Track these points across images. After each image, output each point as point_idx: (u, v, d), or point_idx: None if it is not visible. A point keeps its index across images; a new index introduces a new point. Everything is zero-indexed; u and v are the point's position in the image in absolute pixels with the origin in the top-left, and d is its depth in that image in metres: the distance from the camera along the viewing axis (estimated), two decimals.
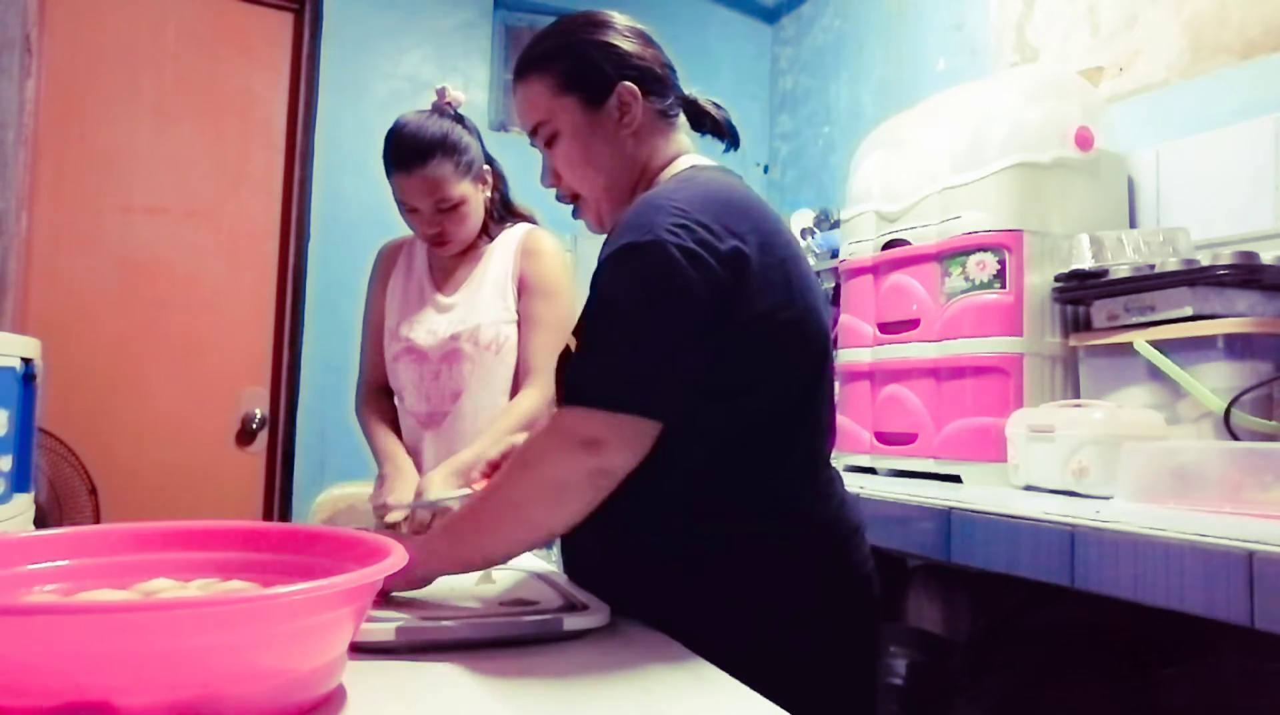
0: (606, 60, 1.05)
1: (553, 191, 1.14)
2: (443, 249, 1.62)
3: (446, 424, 1.60)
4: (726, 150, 1.18)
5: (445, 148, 1.53)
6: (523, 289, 1.62)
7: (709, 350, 0.93)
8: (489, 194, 1.65)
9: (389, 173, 1.56)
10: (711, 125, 1.17)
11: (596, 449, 0.89)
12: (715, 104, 1.17)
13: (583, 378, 0.92)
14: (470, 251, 1.66)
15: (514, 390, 1.60)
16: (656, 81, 1.08)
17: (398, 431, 1.65)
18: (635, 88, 1.05)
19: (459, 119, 1.60)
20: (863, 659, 1.10)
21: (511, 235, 1.67)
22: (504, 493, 0.93)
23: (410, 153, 1.52)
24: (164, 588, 0.73)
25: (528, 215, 1.74)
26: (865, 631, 1.09)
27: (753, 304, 0.95)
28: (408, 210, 1.58)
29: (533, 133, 1.09)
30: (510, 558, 0.98)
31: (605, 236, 1.11)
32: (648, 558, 1.05)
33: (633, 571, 1.05)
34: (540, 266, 1.62)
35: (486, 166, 1.64)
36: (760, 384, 0.99)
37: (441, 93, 1.61)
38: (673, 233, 0.90)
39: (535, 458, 0.92)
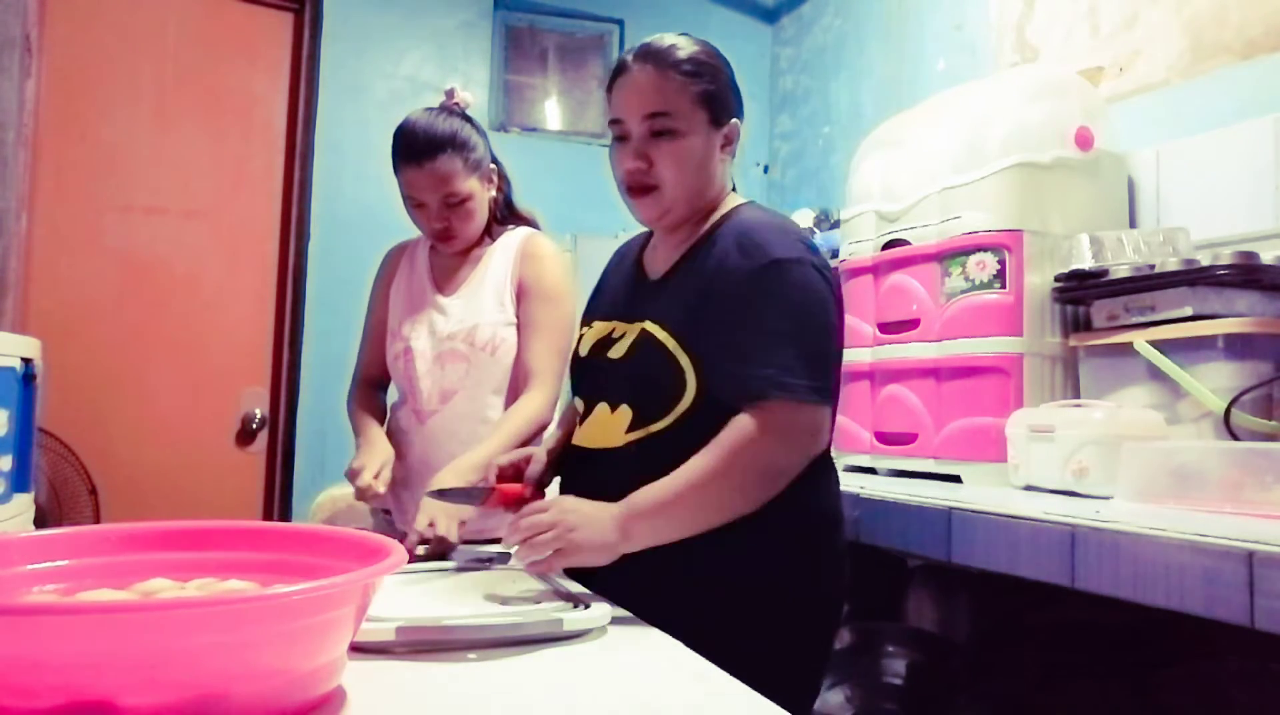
0: (733, 97, 1.22)
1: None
2: (448, 245, 1.63)
3: (434, 422, 1.61)
4: None
5: (455, 143, 1.55)
6: (522, 293, 1.62)
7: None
8: (494, 194, 1.67)
9: (397, 167, 1.57)
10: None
11: (816, 437, 1.08)
12: None
13: (792, 373, 1.06)
14: (471, 252, 1.67)
15: (510, 393, 1.60)
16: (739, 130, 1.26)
17: (382, 421, 1.67)
18: (740, 128, 1.23)
19: (466, 118, 1.61)
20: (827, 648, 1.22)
21: (512, 238, 1.67)
22: (728, 479, 1.05)
23: (421, 146, 1.54)
24: (163, 588, 0.72)
25: (529, 218, 1.75)
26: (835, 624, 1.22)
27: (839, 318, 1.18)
28: (415, 205, 1.59)
29: (647, 116, 1.16)
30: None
31: (667, 233, 1.28)
32: (657, 556, 1.06)
33: (639, 570, 1.06)
34: (540, 270, 1.62)
35: (493, 166, 1.66)
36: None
37: (450, 93, 1.63)
38: (814, 255, 1.14)
39: (762, 454, 1.05)
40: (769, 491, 1.06)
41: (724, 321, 1.10)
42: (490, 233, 1.67)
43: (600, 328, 1.27)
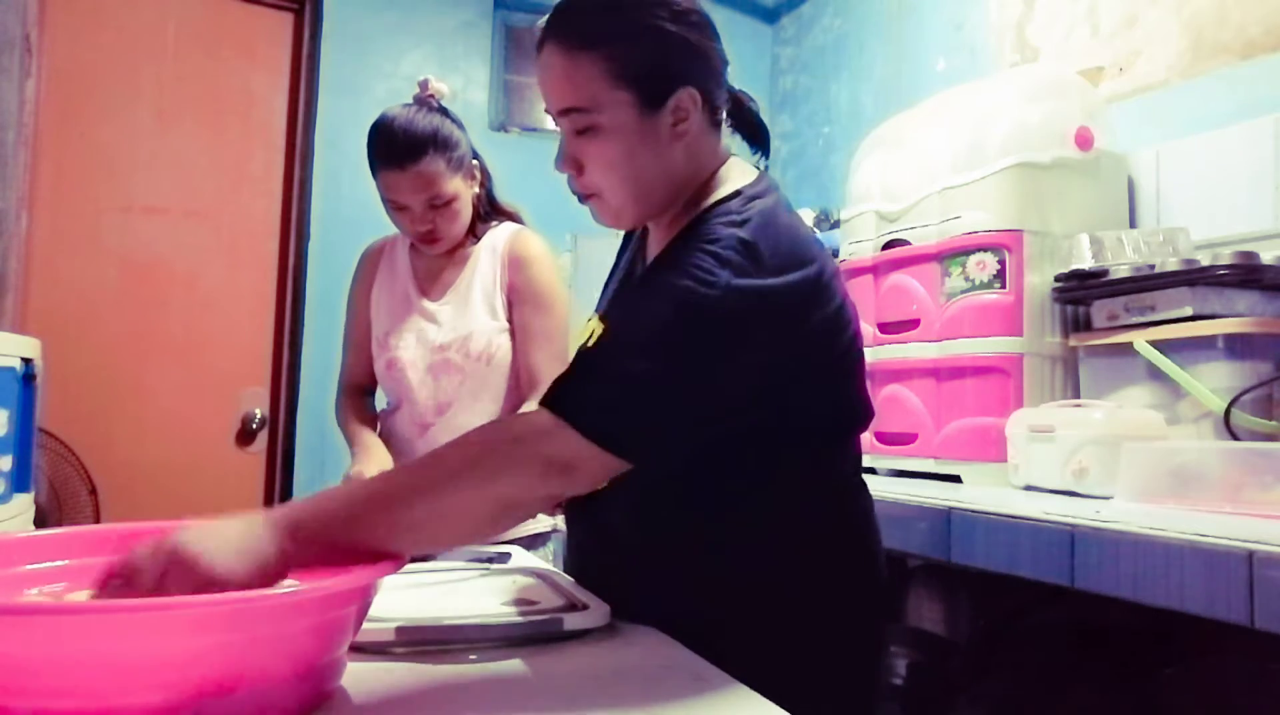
0: (673, 55, 0.92)
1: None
2: (433, 247, 1.58)
3: (432, 434, 1.57)
4: (755, 154, 1.09)
5: (437, 143, 1.48)
6: (515, 299, 1.57)
7: (755, 391, 0.88)
8: (476, 190, 1.61)
9: (375, 170, 1.51)
10: (749, 131, 1.07)
11: (566, 475, 0.80)
12: (753, 105, 1.06)
13: (584, 395, 0.82)
14: (455, 252, 1.62)
15: (509, 400, 1.56)
16: (715, 83, 0.96)
17: (373, 427, 1.63)
18: (697, 94, 0.93)
19: (444, 112, 1.55)
20: (867, 657, 1.09)
21: (497, 237, 1.62)
22: (447, 498, 0.78)
23: (402, 149, 1.47)
24: None
25: (513, 213, 1.69)
26: (872, 629, 1.09)
27: (815, 337, 0.92)
28: (396, 208, 1.53)
29: (563, 113, 0.92)
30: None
31: (629, 231, 1.09)
32: (659, 560, 1.05)
33: (639, 571, 1.05)
34: (530, 275, 1.57)
35: (474, 162, 1.60)
36: (818, 412, 0.98)
37: (424, 84, 1.55)
38: (739, 279, 0.83)
39: (498, 472, 0.79)
40: (499, 525, 0.83)
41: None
42: (474, 230, 1.62)
43: (593, 322, 1.10)
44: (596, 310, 1.19)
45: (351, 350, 1.71)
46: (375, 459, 1.47)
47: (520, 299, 1.57)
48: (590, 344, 0.86)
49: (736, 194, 0.94)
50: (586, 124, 0.91)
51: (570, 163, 0.95)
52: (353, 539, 0.74)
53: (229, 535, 0.70)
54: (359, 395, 1.70)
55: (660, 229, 1.03)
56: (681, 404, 0.83)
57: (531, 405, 1.44)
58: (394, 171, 1.49)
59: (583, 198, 0.98)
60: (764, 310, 0.84)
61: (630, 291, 0.92)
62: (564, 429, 0.79)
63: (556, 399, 0.82)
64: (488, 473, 0.79)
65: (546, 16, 0.92)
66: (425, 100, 1.55)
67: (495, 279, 1.59)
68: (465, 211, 1.57)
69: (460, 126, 1.57)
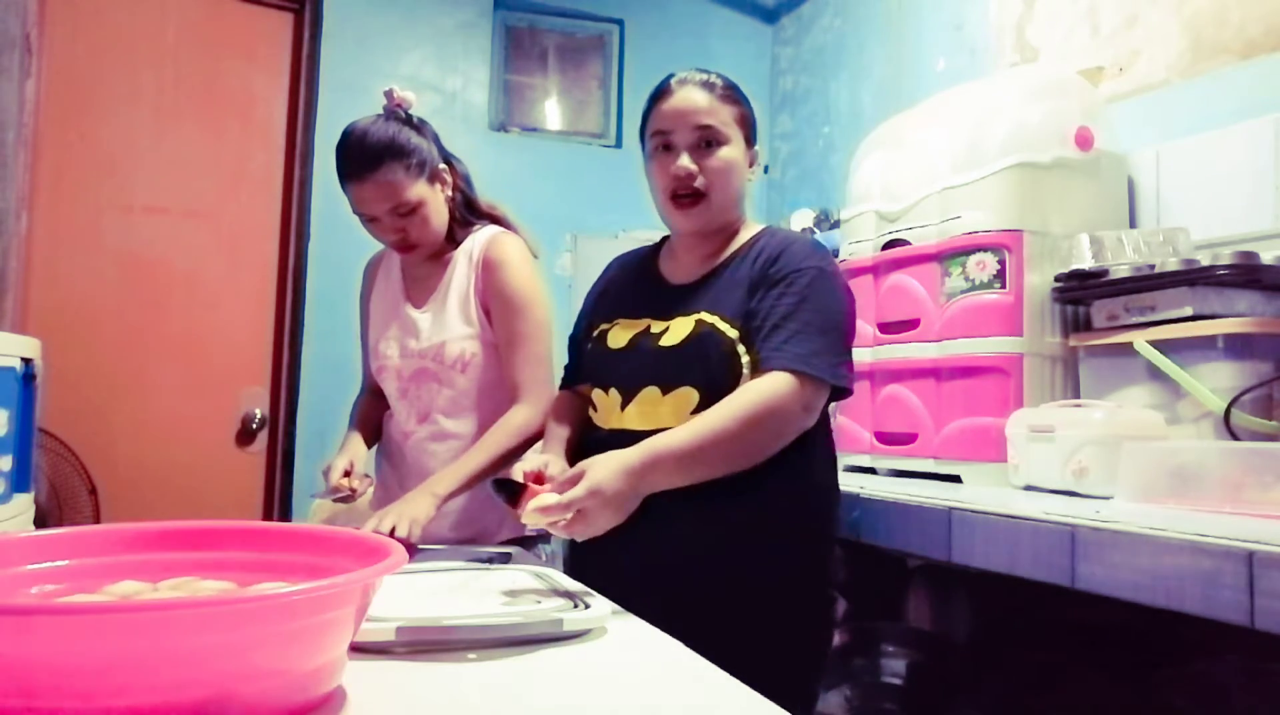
0: (755, 125, 1.39)
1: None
2: (411, 254, 1.58)
3: (413, 442, 1.59)
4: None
5: (393, 151, 1.49)
6: (491, 305, 1.57)
7: None
8: (449, 194, 1.61)
9: (342, 183, 1.53)
10: None
11: (809, 414, 1.21)
12: None
13: (816, 353, 1.20)
14: (439, 257, 1.62)
15: (481, 406, 1.57)
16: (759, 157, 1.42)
17: (370, 428, 1.67)
18: (759, 155, 1.41)
19: (408, 120, 1.56)
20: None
21: (475, 242, 1.61)
22: (746, 435, 1.16)
23: (359, 160, 1.49)
24: (133, 591, 0.72)
25: (494, 214, 1.68)
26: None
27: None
28: (367, 220, 1.55)
29: (698, 128, 1.30)
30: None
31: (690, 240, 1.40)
32: (658, 557, 1.07)
33: (638, 570, 1.06)
34: (502, 280, 1.56)
35: (444, 165, 1.59)
36: None
37: (389, 94, 1.57)
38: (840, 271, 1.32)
39: (780, 412, 1.18)
40: (770, 453, 1.19)
41: (772, 312, 1.24)
42: (454, 235, 1.61)
43: (631, 324, 1.35)
44: (617, 315, 1.37)
45: (365, 357, 1.74)
46: (347, 452, 1.57)
47: (495, 304, 1.57)
48: (783, 322, 1.22)
49: (771, 226, 1.39)
50: (717, 137, 1.31)
51: (694, 163, 1.31)
52: (690, 473, 1.14)
53: (619, 502, 1.09)
54: (371, 397, 1.73)
55: (692, 253, 1.37)
56: (851, 338, 1.29)
57: (520, 409, 1.48)
58: (355, 183, 1.51)
59: (685, 199, 1.31)
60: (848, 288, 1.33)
61: (770, 284, 1.27)
62: (812, 379, 1.19)
63: (809, 364, 1.19)
64: (772, 418, 1.17)
65: (680, 75, 1.35)
66: (391, 110, 1.56)
67: (469, 284, 1.58)
68: (436, 216, 1.57)
69: (428, 133, 1.58)
